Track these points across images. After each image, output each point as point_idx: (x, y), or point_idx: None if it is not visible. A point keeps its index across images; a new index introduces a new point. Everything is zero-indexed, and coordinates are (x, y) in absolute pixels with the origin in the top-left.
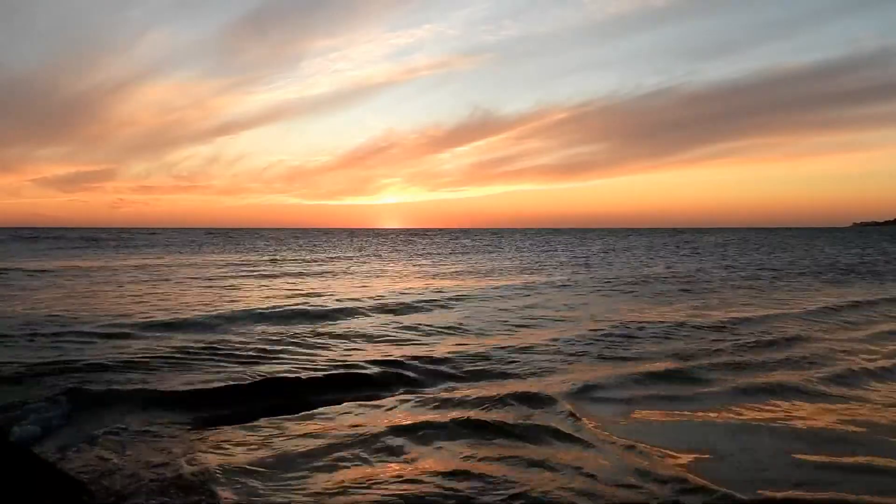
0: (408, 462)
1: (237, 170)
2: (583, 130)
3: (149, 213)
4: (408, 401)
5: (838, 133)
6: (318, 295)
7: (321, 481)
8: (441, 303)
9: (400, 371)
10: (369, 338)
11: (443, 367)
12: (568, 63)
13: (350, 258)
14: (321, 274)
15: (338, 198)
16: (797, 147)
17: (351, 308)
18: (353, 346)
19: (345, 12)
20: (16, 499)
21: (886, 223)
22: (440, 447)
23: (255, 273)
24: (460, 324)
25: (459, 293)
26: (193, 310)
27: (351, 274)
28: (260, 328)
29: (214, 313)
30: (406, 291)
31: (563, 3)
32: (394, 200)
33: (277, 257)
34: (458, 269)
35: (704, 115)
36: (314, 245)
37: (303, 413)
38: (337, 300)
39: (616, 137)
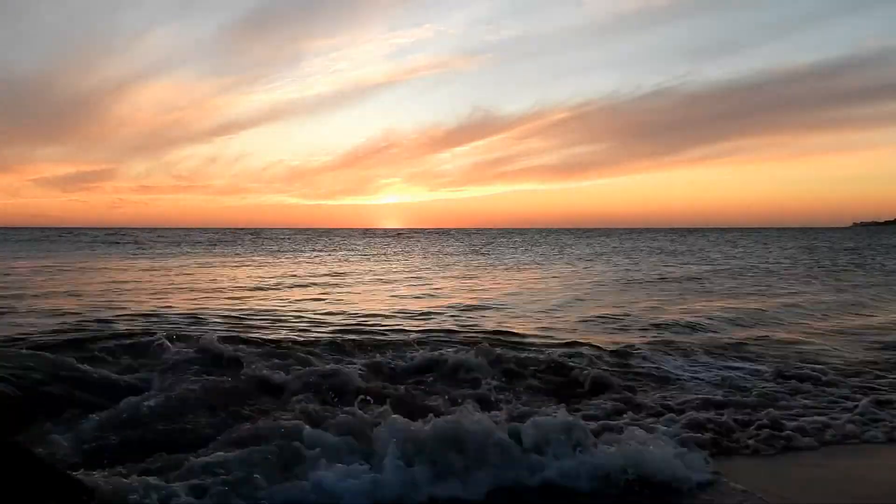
0: None
1: (237, 170)
2: (583, 130)
3: (148, 213)
4: None
5: (838, 133)
6: None
7: None
8: None
9: None
10: None
11: None
12: (568, 63)
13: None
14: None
15: (338, 198)
16: (797, 147)
17: None
18: None
19: (345, 12)
20: (16, 499)
21: (887, 223)
22: None
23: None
24: None
25: None
26: None
27: None
28: None
29: None
30: None
31: (563, 3)
32: (394, 200)
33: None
34: None
35: (704, 115)
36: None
37: None
38: None
39: (616, 137)
